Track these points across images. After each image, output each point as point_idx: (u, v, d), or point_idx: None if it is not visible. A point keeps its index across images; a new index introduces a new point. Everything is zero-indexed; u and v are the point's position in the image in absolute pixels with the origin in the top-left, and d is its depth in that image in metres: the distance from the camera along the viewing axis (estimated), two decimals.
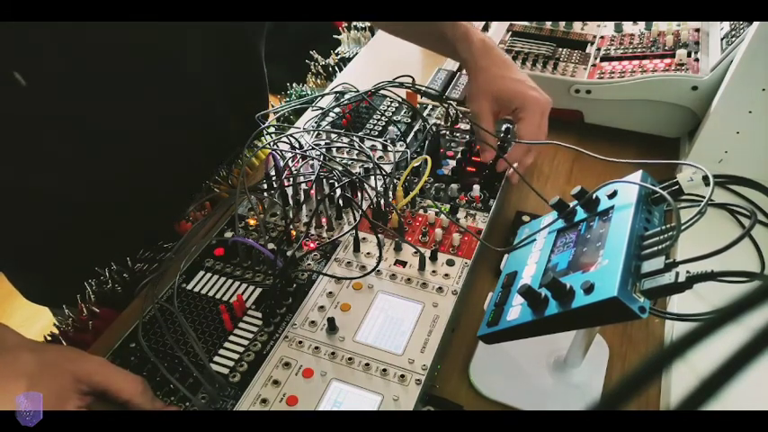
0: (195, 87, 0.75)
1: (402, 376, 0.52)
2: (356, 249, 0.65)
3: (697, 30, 0.89)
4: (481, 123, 0.73)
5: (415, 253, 0.64)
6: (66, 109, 0.63)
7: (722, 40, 0.83)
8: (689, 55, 0.83)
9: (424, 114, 0.88)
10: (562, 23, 0.99)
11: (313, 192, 0.72)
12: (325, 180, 0.72)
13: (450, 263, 0.64)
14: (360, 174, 0.74)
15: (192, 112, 0.76)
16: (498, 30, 0.98)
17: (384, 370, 0.53)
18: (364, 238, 0.67)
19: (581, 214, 0.53)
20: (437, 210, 0.70)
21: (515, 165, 0.73)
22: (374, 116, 0.88)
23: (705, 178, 0.48)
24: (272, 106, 0.90)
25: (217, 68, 0.77)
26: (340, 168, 0.73)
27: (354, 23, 1.28)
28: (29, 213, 0.72)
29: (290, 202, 0.72)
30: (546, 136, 0.73)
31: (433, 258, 0.64)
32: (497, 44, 0.93)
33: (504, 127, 0.82)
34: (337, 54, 1.25)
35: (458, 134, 0.84)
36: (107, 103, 0.66)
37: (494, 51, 0.74)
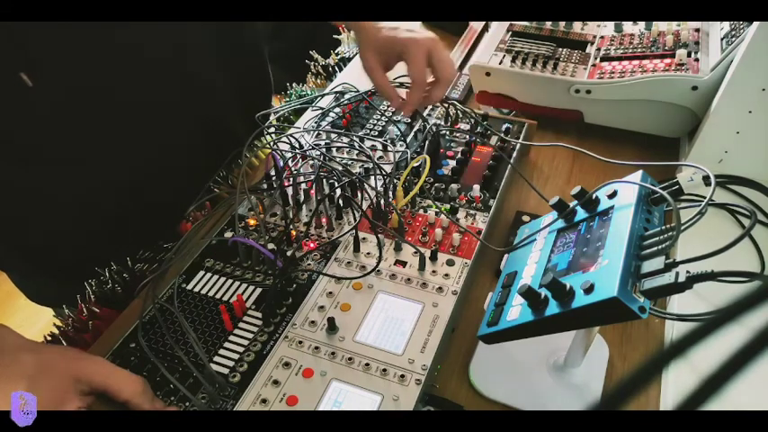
0: (202, 88, 0.75)
1: (402, 376, 0.52)
2: (356, 249, 0.65)
3: (697, 30, 0.89)
4: (373, 76, 0.76)
5: (415, 253, 0.64)
6: (70, 109, 0.63)
7: (722, 40, 0.83)
8: (689, 55, 0.83)
9: (424, 114, 0.88)
10: (562, 23, 0.99)
11: (313, 192, 0.72)
12: (325, 180, 0.72)
13: (450, 263, 0.64)
14: (360, 174, 0.74)
15: (198, 113, 0.76)
16: (498, 30, 0.98)
17: (384, 370, 0.53)
18: (364, 238, 0.67)
19: (581, 214, 0.53)
20: (437, 210, 0.70)
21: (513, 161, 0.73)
22: (374, 116, 0.88)
23: (706, 178, 0.48)
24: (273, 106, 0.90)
25: (224, 69, 0.77)
26: (340, 168, 0.73)
27: None
28: (32, 214, 0.72)
29: (290, 202, 0.72)
30: (453, 69, 0.76)
31: (433, 258, 0.64)
32: (497, 43, 0.93)
33: (504, 127, 0.82)
34: (337, 54, 1.24)
35: (458, 134, 0.84)
36: (112, 104, 0.66)
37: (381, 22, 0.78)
